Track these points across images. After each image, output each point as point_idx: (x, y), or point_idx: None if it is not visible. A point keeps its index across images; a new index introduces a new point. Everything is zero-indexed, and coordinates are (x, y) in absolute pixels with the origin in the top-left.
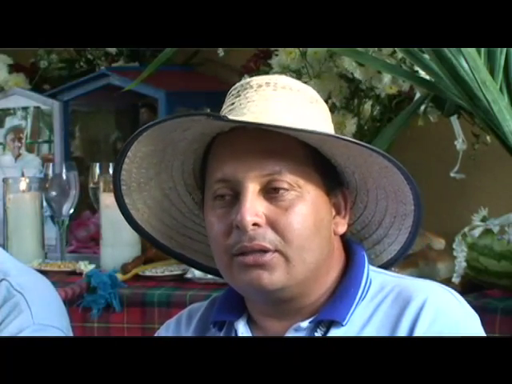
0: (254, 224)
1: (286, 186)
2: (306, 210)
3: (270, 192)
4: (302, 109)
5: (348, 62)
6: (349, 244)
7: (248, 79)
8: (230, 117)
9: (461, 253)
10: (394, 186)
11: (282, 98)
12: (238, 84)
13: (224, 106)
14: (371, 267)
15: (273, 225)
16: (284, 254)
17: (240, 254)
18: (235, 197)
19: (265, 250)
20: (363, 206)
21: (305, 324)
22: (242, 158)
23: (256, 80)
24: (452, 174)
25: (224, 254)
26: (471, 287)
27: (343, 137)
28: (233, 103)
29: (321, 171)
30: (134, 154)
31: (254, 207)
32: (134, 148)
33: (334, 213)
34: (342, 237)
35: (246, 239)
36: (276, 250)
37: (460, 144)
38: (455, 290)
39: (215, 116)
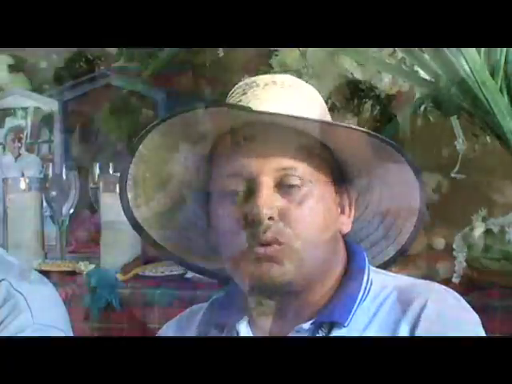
0: (270, 218)
1: (298, 181)
2: (317, 205)
3: (283, 187)
4: (310, 107)
5: (348, 62)
6: (349, 244)
7: (252, 78)
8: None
9: (461, 253)
10: (402, 186)
11: (290, 96)
12: (241, 83)
13: None
14: (371, 267)
15: (285, 219)
16: (294, 247)
17: (253, 246)
18: (247, 192)
19: (276, 243)
20: (364, 206)
21: (307, 325)
22: (257, 153)
23: (262, 79)
24: (452, 174)
25: (235, 248)
26: (471, 287)
27: (357, 127)
28: (240, 101)
29: (331, 170)
30: (146, 148)
31: (270, 201)
32: (146, 142)
33: (339, 211)
34: (343, 237)
35: (261, 232)
36: (287, 243)
37: (460, 144)
38: (455, 290)
39: (238, 107)
